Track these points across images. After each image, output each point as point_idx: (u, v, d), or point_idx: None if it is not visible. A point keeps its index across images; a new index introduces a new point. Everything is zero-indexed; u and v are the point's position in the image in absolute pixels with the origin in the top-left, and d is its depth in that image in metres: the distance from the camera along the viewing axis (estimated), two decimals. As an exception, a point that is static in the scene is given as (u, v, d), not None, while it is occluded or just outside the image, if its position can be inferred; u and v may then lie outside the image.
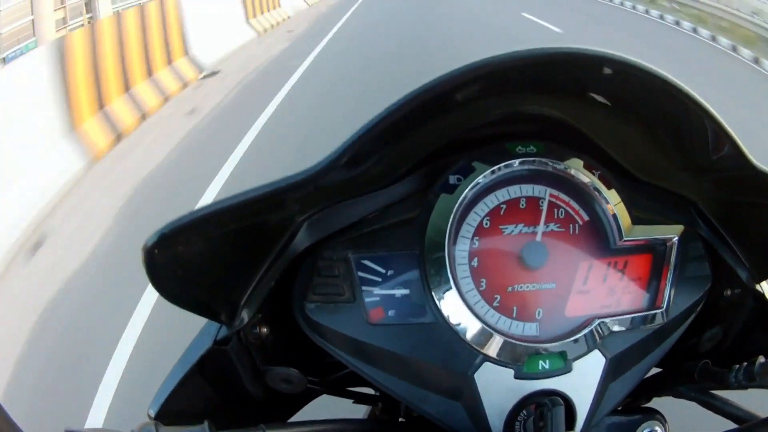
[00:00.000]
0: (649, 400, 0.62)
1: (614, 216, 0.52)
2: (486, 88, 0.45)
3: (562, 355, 0.50)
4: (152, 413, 0.49)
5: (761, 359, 0.50)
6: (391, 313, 0.50)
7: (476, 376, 0.49)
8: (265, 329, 0.53)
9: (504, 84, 0.45)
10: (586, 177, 0.52)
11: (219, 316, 0.49)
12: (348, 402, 0.62)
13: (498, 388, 0.49)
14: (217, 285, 0.48)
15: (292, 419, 0.59)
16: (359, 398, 0.61)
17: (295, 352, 0.55)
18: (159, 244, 0.40)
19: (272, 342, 0.53)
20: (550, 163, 0.52)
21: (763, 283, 0.58)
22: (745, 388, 0.52)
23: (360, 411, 0.64)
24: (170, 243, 0.41)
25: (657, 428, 0.57)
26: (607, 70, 0.42)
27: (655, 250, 0.54)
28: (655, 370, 0.60)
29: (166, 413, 0.49)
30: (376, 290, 0.50)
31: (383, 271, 0.50)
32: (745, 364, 0.51)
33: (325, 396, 0.59)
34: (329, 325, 0.50)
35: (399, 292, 0.50)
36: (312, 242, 0.51)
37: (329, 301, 0.50)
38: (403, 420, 0.62)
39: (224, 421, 0.46)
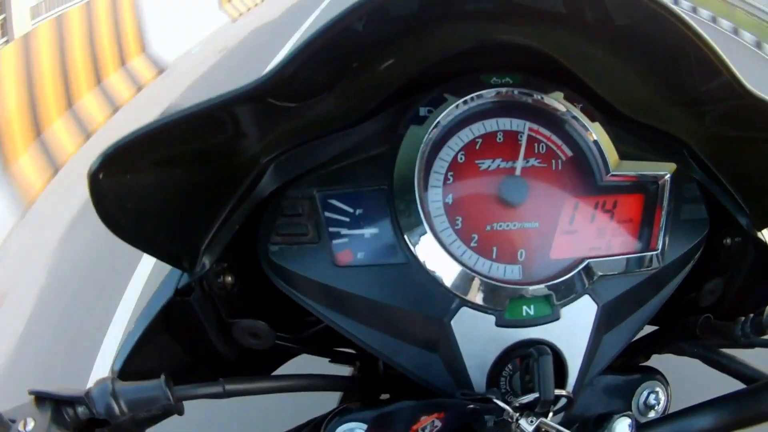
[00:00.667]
0: (647, 358, 0.58)
1: (599, 149, 0.49)
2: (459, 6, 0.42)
3: (548, 299, 0.46)
4: (115, 369, 0.47)
5: None
6: (360, 254, 0.47)
7: (453, 323, 0.45)
8: (230, 278, 0.50)
9: (478, 8, 0.42)
10: (567, 109, 0.49)
11: (179, 261, 0.47)
12: (326, 364, 0.59)
13: (478, 337, 0.45)
14: (174, 225, 0.45)
15: None
16: (336, 357, 0.58)
17: (264, 304, 0.52)
18: (104, 167, 0.37)
19: (239, 293, 0.51)
20: (528, 95, 0.49)
21: (765, 231, 0.55)
22: (752, 345, 0.48)
23: (344, 372, 0.62)
24: (117, 167, 0.38)
25: (657, 389, 0.53)
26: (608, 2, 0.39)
27: (647, 190, 0.51)
28: (652, 328, 0.57)
29: (130, 371, 0.47)
30: (344, 230, 0.47)
31: (351, 210, 0.47)
32: (752, 315, 0.48)
33: (307, 358, 0.56)
34: (294, 269, 0.47)
35: (368, 231, 0.47)
36: (278, 185, 0.48)
37: (293, 242, 0.47)
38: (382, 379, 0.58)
39: (185, 377, 0.43)
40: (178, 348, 0.50)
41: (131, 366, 0.47)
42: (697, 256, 0.53)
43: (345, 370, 0.60)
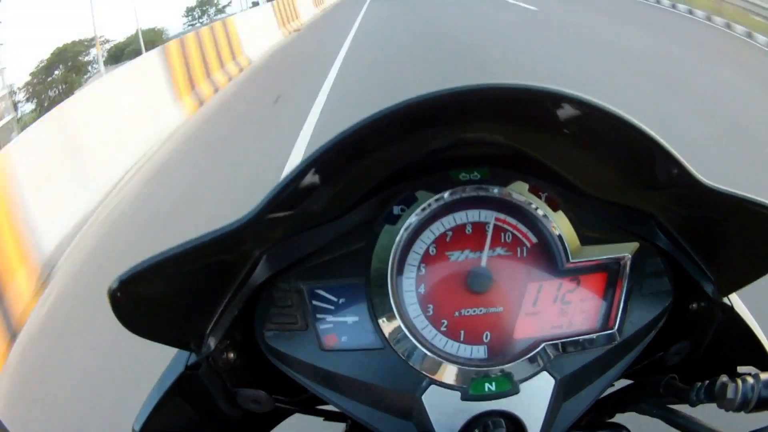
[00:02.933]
0: (612, 416, 0.62)
1: (561, 239, 0.53)
2: (415, 122, 0.46)
3: (509, 376, 0.51)
4: (136, 429, 0.53)
5: (723, 378, 0.49)
6: (343, 339, 0.53)
7: (424, 398, 0.51)
8: (233, 354, 0.56)
9: (445, 115, 0.47)
10: (531, 200, 0.53)
11: (187, 345, 0.53)
12: (326, 421, 0.65)
13: (446, 409, 0.51)
14: (182, 318, 0.52)
15: None
16: (328, 416, 0.64)
17: (262, 374, 0.59)
18: (120, 288, 0.44)
19: (241, 366, 0.57)
20: (494, 188, 0.53)
21: (733, 295, 0.57)
22: (705, 404, 0.51)
23: (338, 428, 0.68)
24: (131, 286, 0.45)
25: None
26: (563, 108, 0.43)
27: (609, 269, 0.54)
28: (625, 382, 0.60)
29: (149, 429, 0.53)
30: (329, 317, 0.53)
31: (335, 299, 0.53)
32: (707, 382, 0.51)
33: (303, 415, 0.63)
34: (286, 351, 0.53)
35: (350, 319, 0.53)
36: (269, 274, 0.54)
37: (284, 329, 0.53)
38: None
39: None
40: (189, 410, 0.57)
41: (150, 426, 0.53)
42: (660, 324, 0.56)
43: (337, 427, 0.67)
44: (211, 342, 0.53)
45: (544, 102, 0.44)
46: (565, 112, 0.45)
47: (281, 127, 5.52)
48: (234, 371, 0.56)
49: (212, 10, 37.89)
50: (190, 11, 37.77)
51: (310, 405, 0.63)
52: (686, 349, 0.59)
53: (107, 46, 29.66)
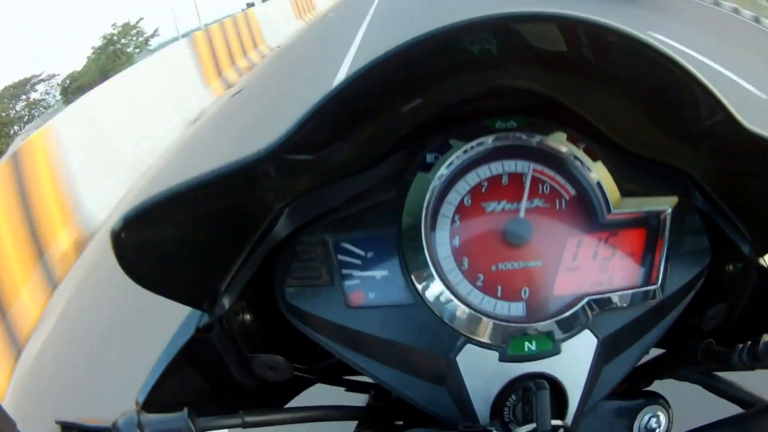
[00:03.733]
0: (650, 383, 0.59)
1: (601, 189, 0.50)
2: (465, 53, 0.44)
3: (549, 335, 0.48)
4: (140, 401, 0.50)
5: (766, 338, 0.47)
6: (371, 295, 0.49)
7: (458, 359, 0.48)
8: (248, 316, 0.53)
9: (484, 54, 0.44)
10: (569, 150, 0.51)
11: (199, 303, 0.50)
12: (345, 391, 0.62)
13: (482, 372, 0.48)
14: (193, 271, 0.48)
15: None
16: (351, 386, 0.61)
17: (281, 339, 0.55)
18: (125, 228, 0.40)
19: (257, 329, 0.53)
20: (531, 137, 0.51)
21: (766, 257, 0.55)
22: (750, 368, 0.49)
23: (360, 399, 0.64)
24: (137, 227, 0.41)
25: (659, 413, 0.53)
26: (600, 39, 0.41)
27: (648, 224, 0.52)
28: (657, 351, 0.57)
29: (154, 402, 0.50)
30: (356, 273, 0.50)
31: (362, 253, 0.50)
32: (749, 343, 0.49)
33: (324, 385, 0.59)
34: (309, 310, 0.50)
35: (379, 273, 0.49)
36: (292, 228, 0.51)
37: (308, 284, 0.50)
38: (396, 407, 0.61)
39: (207, 409, 0.46)
40: (200, 380, 0.53)
41: (155, 397, 0.50)
42: (699, 285, 0.54)
43: (359, 398, 0.63)
44: (226, 301, 0.50)
45: (582, 32, 0.42)
46: (603, 45, 0.42)
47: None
48: (249, 335, 0.53)
49: (131, 47, 28.67)
50: (99, 50, 28.22)
51: (330, 374, 0.59)
52: (722, 313, 0.56)
53: (56, 80, 27.91)
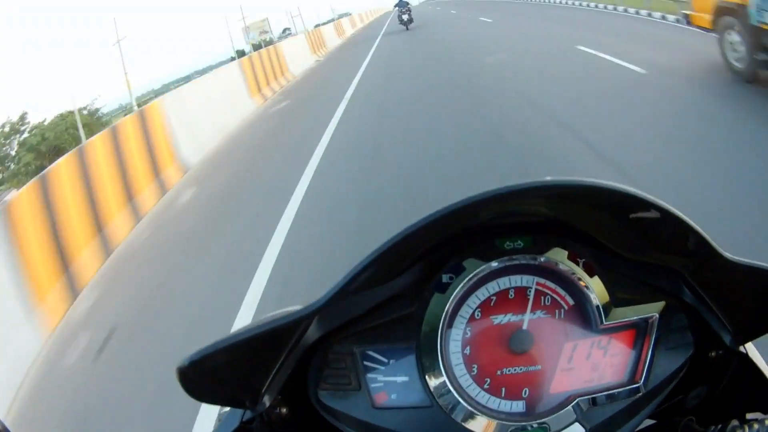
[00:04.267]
0: None
1: (597, 302, 0.56)
2: (493, 209, 0.51)
3: (544, 429, 0.55)
4: None
5: (734, 422, 0.53)
6: (393, 396, 0.57)
7: None
8: (285, 410, 0.60)
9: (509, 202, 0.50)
10: (569, 267, 0.56)
11: (244, 404, 0.57)
12: None
13: None
14: (240, 381, 0.55)
15: None
16: None
17: (311, 427, 0.62)
18: (191, 366, 0.48)
19: (292, 420, 0.60)
20: (537, 257, 0.56)
21: (748, 344, 0.61)
22: None
23: None
24: (200, 363, 0.48)
25: None
26: (610, 197, 0.48)
27: (638, 327, 0.58)
28: (647, 422, 0.63)
29: None
30: (380, 377, 0.57)
31: (385, 360, 0.57)
32: (720, 426, 0.54)
33: None
34: (340, 409, 0.57)
35: (399, 378, 0.57)
36: (321, 334, 0.58)
37: (339, 389, 0.57)
38: None
39: None
40: None
41: None
42: (682, 373, 0.60)
43: None
44: (266, 400, 0.57)
45: (593, 195, 0.48)
46: (614, 201, 0.49)
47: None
48: (285, 425, 0.60)
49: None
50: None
51: None
52: (704, 393, 0.63)
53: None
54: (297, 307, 0.50)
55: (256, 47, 19.10)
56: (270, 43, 18.56)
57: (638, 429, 0.61)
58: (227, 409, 0.61)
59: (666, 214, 0.49)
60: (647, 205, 0.48)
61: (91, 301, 4.34)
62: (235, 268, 4.00)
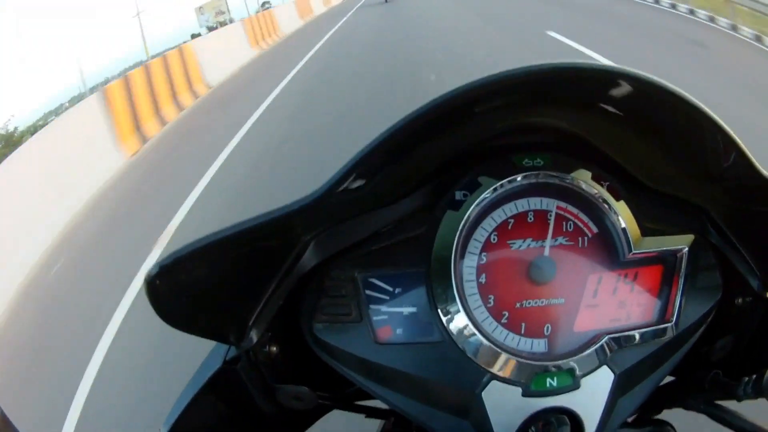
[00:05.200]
0: (659, 412, 0.62)
1: (623, 229, 0.52)
2: (496, 102, 0.45)
3: (570, 372, 0.50)
4: (164, 431, 0.50)
5: None
6: (398, 331, 0.50)
7: (484, 394, 0.49)
8: (275, 348, 0.53)
9: (513, 96, 0.46)
10: (594, 189, 0.52)
11: (227, 338, 0.50)
12: (361, 416, 0.63)
13: (506, 407, 0.49)
14: (223, 308, 0.49)
15: None
16: (371, 413, 0.62)
17: (304, 368, 0.56)
18: (160, 275, 0.41)
19: (282, 359, 0.54)
20: (557, 176, 0.51)
21: None
22: (754, 399, 0.51)
23: (373, 424, 0.66)
24: (172, 272, 0.41)
25: None
26: (624, 86, 0.42)
27: (666, 261, 0.53)
28: (667, 379, 0.59)
29: (179, 431, 0.50)
30: (384, 308, 0.51)
31: (390, 289, 0.51)
32: (754, 376, 0.51)
33: (337, 410, 0.60)
34: (337, 345, 0.51)
35: (406, 310, 0.50)
36: (319, 261, 0.51)
37: (337, 321, 0.51)
38: None
39: None
40: (223, 409, 0.54)
41: (179, 428, 0.50)
42: (710, 319, 0.56)
43: (372, 424, 0.64)
44: (253, 335, 0.51)
45: (602, 80, 0.43)
46: (624, 90, 0.43)
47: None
48: (274, 366, 0.54)
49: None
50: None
51: (352, 401, 0.60)
52: (730, 344, 0.59)
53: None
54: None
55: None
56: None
57: (662, 384, 0.57)
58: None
59: (693, 109, 0.44)
60: (669, 94, 0.43)
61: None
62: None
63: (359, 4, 22.74)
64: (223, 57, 11.68)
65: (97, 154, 6.55)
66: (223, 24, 17.25)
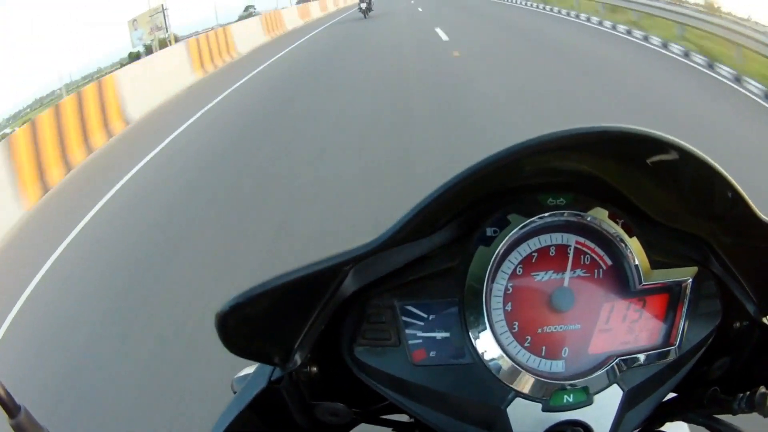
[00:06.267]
0: (662, 425, 0.67)
1: (635, 263, 0.57)
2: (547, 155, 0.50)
3: (585, 390, 0.55)
4: None
5: (762, 389, 0.55)
6: (432, 353, 0.55)
7: (509, 409, 0.54)
8: (314, 368, 0.58)
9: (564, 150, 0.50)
10: (611, 228, 0.56)
11: (273, 360, 0.55)
12: (387, 430, 0.68)
13: (527, 420, 0.55)
14: (275, 334, 0.54)
15: None
16: (397, 426, 0.67)
17: (340, 386, 0.61)
18: (232, 311, 0.46)
19: (320, 379, 0.59)
20: (578, 215, 0.56)
21: None
22: (748, 413, 0.57)
23: None
24: (241, 308, 0.47)
25: None
26: (671, 153, 0.48)
27: (671, 290, 0.58)
28: (670, 395, 0.64)
29: None
30: (419, 333, 0.55)
31: (425, 315, 0.55)
32: (748, 393, 0.56)
33: (365, 423, 0.65)
34: (377, 366, 0.55)
35: (440, 335, 0.55)
36: (357, 288, 0.56)
37: (377, 345, 0.55)
38: None
39: None
40: (260, 425, 0.58)
41: None
42: (710, 341, 0.61)
43: None
44: (298, 357, 0.55)
45: (657, 144, 0.48)
46: (669, 156, 0.49)
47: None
48: (313, 384, 0.58)
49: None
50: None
51: (379, 414, 0.65)
52: (728, 364, 0.64)
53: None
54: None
55: (134, 57, 14.44)
56: (165, 44, 14.48)
57: (664, 400, 0.62)
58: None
59: (686, 155, 0.49)
60: (664, 145, 0.49)
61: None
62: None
63: (337, 19, 21.47)
64: (153, 86, 9.80)
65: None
66: (162, 43, 14.06)
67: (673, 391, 0.63)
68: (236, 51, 14.64)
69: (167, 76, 10.60)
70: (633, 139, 0.48)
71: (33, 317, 3.84)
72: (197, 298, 3.42)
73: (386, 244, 0.49)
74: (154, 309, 3.49)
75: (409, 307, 0.55)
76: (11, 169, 6.08)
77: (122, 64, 12.43)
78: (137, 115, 9.04)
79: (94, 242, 4.80)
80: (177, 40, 15.67)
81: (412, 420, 0.66)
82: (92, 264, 4.41)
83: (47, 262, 4.51)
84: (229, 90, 10.08)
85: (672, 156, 0.49)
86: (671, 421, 0.66)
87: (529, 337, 0.56)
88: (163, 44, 14.32)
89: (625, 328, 0.58)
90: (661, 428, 0.66)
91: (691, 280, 0.58)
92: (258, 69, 11.89)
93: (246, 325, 0.49)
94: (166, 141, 7.40)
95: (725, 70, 7.66)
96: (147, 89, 9.62)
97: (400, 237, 0.50)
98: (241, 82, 10.71)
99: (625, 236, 0.57)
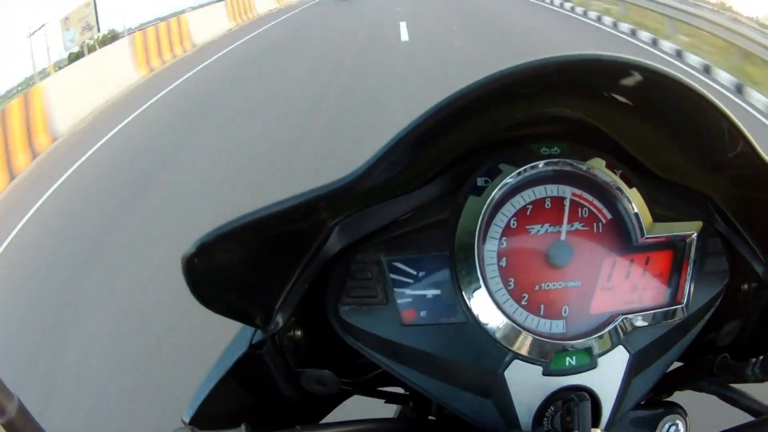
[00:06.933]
0: (670, 394, 0.63)
1: (636, 214, 0.53)
2: (518, 91, 0.47)
3: (588, 351, 0.51)
4: (186, 418, 0.50)
5: None
6: (423, 313, 0.51)
7: (506, 373, 0.50)
8: (299, 332, 0.54)
9: (533, 87, 0.47)
10: (608, 176, 0.53)
11: (254, 321, 0.51)
12: (378, 402, 0.64)
13: (527, 385, 0.51)
14: (252, 290, 0.50)
15: (326, 419, 0.61)
16: (390, 398, 0.63)
17: (328, 353, 0.57)
18: (199, 253, 0.42)
19: (306, 344, 0.55)
20: (574, 164, 0.53)
21: None
22: (761, 381, 0.54)
23: (391, 410, 0.66)
24: (210, 251, 0.43)
25: (678, 422, 0.58)
26: (636, 77, 0.44)
27: (676, 247, 0.55)
28: (676, 364, 0.61)
29: (200, 418, 0.51)
30: (408, 291, 0.52)
31: (415, 272, 0.52)
32: (761, 357, 0.53)
33: (356, 396, 0.61)
34: (363, 327, 0.52)
35: (430, 292, 0.52)
36: (344, 245, 0.52)
37: (363, 303, 0.52)
38: (434, 418, 0.63)
39: (258, 424, 0.47)
40: (244, 395, 0.54)
41: (202, 414, 0.51)
42: (718, 303, 0.58)
43: (387, 408, 0.65)
44: (280, 318, 0.52)
45: (615, 69, 0.45)
46: (634, 80, 0.45)
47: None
48: (298, 350, 0.55)
49: None
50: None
51: (373, 386, 0.62)
52: (737, 329, 0.61)
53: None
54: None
55: (73, 58, 11.60)
56: (93, 48, 11.75)
57: (671, 369, 0.59)
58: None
59: (709, 104, 0.46)
60: (688, 90, 0.45)
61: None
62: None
63: (315, 1, 19.94)
64: (87, 91, 8.51)
65: None
66: (91, 47, 11.28)
67: (680, 360, 0.61)
68: (191, 42, 12.86)
69: (104, 78, 9.39)
70: (604, 64, 0.44)
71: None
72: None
73: (364, 176, 0.46)
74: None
75: (397, 264, 0.52)
76: None
77: (60, 66, 10.39)
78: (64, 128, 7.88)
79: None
80: (116, 38, 12.78)
81: (406, 392, 0.63)
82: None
83: None
84: (176, 83, 9.43)
85: (638, 78, 0.45)
86: (680, 390, 0.63)
87: (526, 295, 0.53)
88: (92, 48, 11.60)
89: (628, 286, 0.55)
90: (670, 398, 0.62)
91: (695, 234, 0.55)
92: (207, 62, 11.03)
93: (219, 274, 0.46)
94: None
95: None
96: (80, 96, 8.49)
97: (378, 170, 0.46)
98: (186, 76, 10.00)
99: (625, 186, 0.54)
